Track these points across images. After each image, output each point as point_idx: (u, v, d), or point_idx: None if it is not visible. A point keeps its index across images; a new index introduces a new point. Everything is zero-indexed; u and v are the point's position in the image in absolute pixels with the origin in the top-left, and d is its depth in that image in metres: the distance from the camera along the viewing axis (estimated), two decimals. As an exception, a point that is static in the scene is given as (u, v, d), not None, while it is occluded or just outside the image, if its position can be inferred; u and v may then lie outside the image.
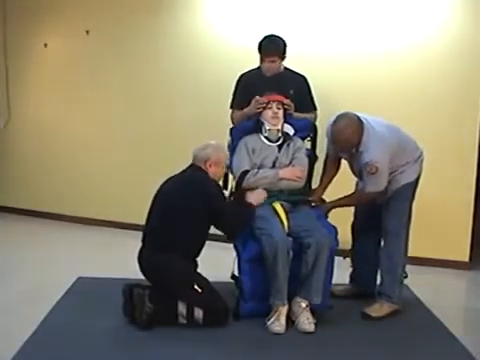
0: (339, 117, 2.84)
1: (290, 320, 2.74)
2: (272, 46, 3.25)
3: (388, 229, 2.93)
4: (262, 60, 3.27)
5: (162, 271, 2.71)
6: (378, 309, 2.90)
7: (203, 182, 2.79)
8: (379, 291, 2.96)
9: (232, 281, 3.02)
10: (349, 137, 2.79)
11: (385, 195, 2.91)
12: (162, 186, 2.90)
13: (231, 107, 3.42)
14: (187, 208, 2.72)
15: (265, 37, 3.30)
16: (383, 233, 2.96)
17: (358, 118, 2.83)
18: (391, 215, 2.92)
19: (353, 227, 3.19)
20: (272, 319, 2.71)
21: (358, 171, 2.92)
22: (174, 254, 2.70)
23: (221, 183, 3.22)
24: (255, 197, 2.88)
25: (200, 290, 2.65)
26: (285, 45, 3.27)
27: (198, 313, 2.63)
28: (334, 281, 2.93)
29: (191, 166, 2.90)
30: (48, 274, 3.55)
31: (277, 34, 3.31)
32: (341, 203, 3.02)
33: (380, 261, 2.97)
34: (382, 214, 2.95)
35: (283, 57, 3.28)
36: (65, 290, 3.18)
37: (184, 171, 2.91)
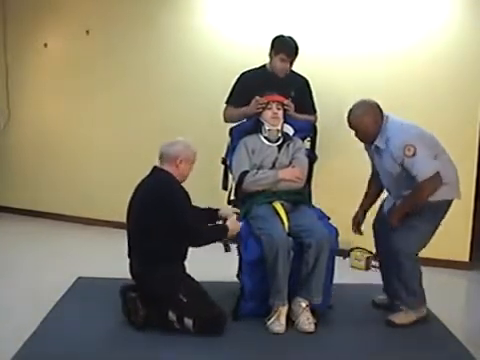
0: (356, 104, 2.75)
1: (290, 320, 2.74)
2: (294, 47, 3.22)
3: (401, 249, 2.70)
4: (282, 60, 3.21)
5: (146, 285, 2.67)
6: (401, 317, 2.80)
7: (169, 194, 2.66)
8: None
9: (233, 281, 3.02)
10: (368, 125, 2.69)
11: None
12: (133, 196, 2.81)
13: (226, 102, 3.40)
14: (159, 224, 2.62)
15: (280, 36, 3.26)
16: (394, 253, 2.73)
17: (377, 105, 2.74)
18: (407, 233, 2.69)
19: (374, 227, 3.03)
20: (272, 319, 2.71)
21: (395, 168, 2.69)
22: (156, 266, 2.65)
23: (220, 183, 3.23)
24: (233, 224, 2.79)
25: (185, 300, 2.57)
26: None
27: (188, 322, 2.57)
28: (334, 281, 2.92)
29: (155, 170, 2.79)
30: (48, 274, 3.55)
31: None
32: (406, 207, 2.72)
33: (395, 287, 2.79)
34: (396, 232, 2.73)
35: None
36: (65, 290, 3.18)
37: (149, 177, 2.79)
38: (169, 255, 2.71)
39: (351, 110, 2.77)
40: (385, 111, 2.79)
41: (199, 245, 2.74)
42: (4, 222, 5.19)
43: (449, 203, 2.77)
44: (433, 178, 2.61)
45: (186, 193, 2.72)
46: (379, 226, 3.00)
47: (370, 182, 3.05)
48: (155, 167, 2.81)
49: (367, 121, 2.71)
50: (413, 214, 2.71)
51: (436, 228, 2.79)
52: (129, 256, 2.80)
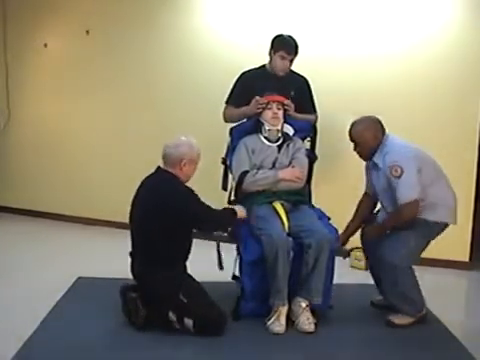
0: (359, 119, 2.82)
1: (290, 320, 2.74)
2: (294, 45, 3.22)
3: (390, 262, 2.69)
4: (282, 57, 3.21)
5: (147, 285, 2.67)
6: (400, 318, 2.80)
7: (176, 196, 2.64)
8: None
9: (233, 281, 3.02)
10: (368, 139, 2.76)
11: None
12: (136, 195, 2.79)
13: (226, 102, 3.40)
14: (164, 225, 2.62)
15: (281, 35, 3.26)
16: (383, 264, 2.75)
17: (379, 121, 2.80)
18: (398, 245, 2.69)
19: (362, 237, 3.02)
20: (272, 319, 2.71)
21: (385, 188, 2.75)
22: (158, 267, 2.65)
23: (220, 183, 3.22)
24: (240, 211, 2.83)
25: (186, 300, 2.56)
26: None
27: (188, 322, 2.56)
28: (334, 281, 2.91)
29: (159, 170, 2.77)
30: (48, 274, 3.55)
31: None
32: (385, 226, 2.79)
33: (391, 298, 2.81)
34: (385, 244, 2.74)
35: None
36: (65, 290, 3.18)
37: (153, 177, 2.77)
38: (171, 256, 2.70)
39: (353, 124, 2.83)
40: (378, 116, 2.84)
41: (215, 229, 2.86)
42: (4, 222, 5.19)
43: (445, 226, 2.79)
44: (411, 204, 2.64)
45: (192, 190, 2.71)
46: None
47: (360, 204, 3.03)
48: (159, 167, 2.79)
49: (367, 135, 2.78)
50: (406, 228, 2.71)
51: (426, 245, 2.79)
52: (131, 255, 2.80)
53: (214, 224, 2.84)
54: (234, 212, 2.81)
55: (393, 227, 2.77)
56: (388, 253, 2.71)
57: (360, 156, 2.91)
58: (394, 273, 2.71)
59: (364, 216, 3.01)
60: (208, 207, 2.73)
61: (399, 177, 2.64)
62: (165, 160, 2.76)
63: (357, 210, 3.03)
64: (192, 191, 2.71)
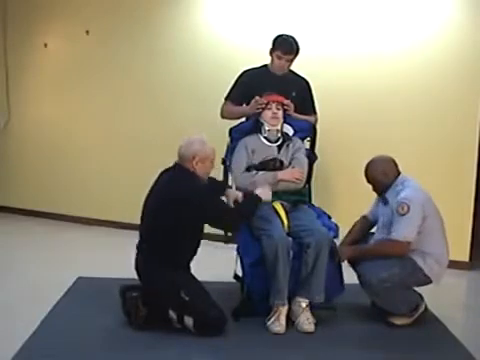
0: (373, 158, 2.88)
1: (290, 320, 2.74)
2: (293, 45, 3.22)
3: (370, 281, 2.73)
4: (278, 57, 3.22)
5: (149, 281, 2.67)
6: (400, 318, 2.81)
7: (191, 194, 2.61)
8: None
9: (233, 281, 3.02)
10: (376, 175, 2.82)
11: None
12: (153, 187, 2.77)
13: (226, 98, 3.40)
14: (177, 219, 2.61)
15: (281, 35, 3.26)
16: (362, 283, 2.80)
17: (393, 162, 2.85)
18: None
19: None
20: (272, 319, 2.71)
21: (385, 224, 2.78)
22: (162, 263, 2.64)
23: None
24: (263, 192, 2.79)
25: (187, 298, 2.56)
26: None
27: (188, 321, 2.56)
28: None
29: (176, 165, 2.75)
30: (48, 274, 3.55)
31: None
32: (366, 251, 2.83)
33: (381, 306, 2.82)
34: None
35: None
36: (65, 290, 3.18)
37: (170, 171, 2.76)
38: (177, 254, 2.70)
39: (369, 163, 2.89)
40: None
41: (240, 224, 2.79)
42: (5, 222, 5.19)
43: (427, 280, 2.77)
44: (402, 244, 2.68)
45: (206, 187, 2.71)
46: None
47: (355, 224, 3.04)
48: (176, 163, 2.76)
49: (376, 171, 2.83)
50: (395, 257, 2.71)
51: (406, 285, 2.76)
52: (137, 249, 2.79)
53: (228, 222, 2.78)
54: (257, 199, 2.76)
55: (370, 255, 2.77)
56: (368, 273, 2.74)
57: (375, 191, 2.93)
58: (373, 290, 2.76)
59: (357, 237, 2.99)
60: (223, 206, 2.74)
61: (403, 215, 2.66)
62: (180, 158, 2.75)
63: (351, 231, 3.02)
64: (208, 188, 2.72)
